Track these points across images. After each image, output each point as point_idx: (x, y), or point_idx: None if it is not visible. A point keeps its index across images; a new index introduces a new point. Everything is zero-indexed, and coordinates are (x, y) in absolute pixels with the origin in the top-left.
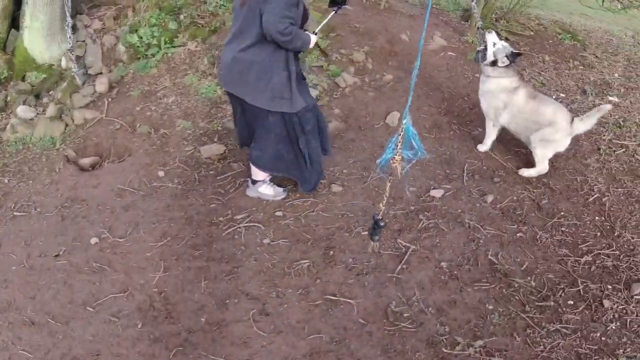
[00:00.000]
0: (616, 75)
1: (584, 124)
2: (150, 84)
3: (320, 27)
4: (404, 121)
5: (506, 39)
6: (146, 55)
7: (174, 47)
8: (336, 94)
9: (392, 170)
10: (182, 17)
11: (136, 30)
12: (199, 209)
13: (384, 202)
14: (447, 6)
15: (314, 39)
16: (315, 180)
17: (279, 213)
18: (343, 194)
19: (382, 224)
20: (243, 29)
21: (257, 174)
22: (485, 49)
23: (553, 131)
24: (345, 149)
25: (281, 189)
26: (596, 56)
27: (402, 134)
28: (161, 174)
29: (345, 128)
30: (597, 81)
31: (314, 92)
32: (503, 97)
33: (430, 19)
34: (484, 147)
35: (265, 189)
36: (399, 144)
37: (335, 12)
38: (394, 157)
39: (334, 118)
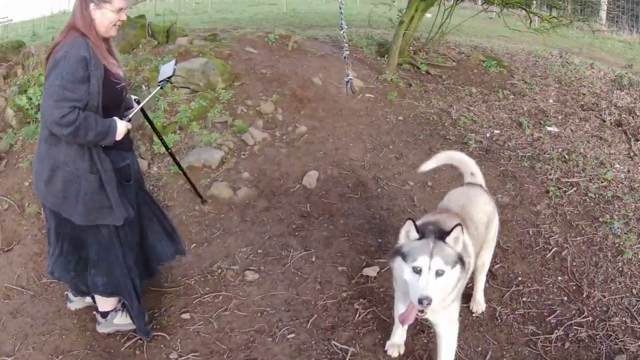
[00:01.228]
0: (550, 101)
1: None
2: None
3: (135, 110)
4: None
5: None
6: (36, 118)
7: None
8: (244, 154)
9: None
10: None
11: (25, 91)
12: (93, 313)
13: None
14: (359, 42)
15: (122, 127)
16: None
17: (186, 315)
18: (260, 282)
19: None
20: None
21: (105, 303)
22: None
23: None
24: (259, 222)
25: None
26: (525, 82)
27: None
28: None
29: (256, 195)
30: (532, 110)
31: (218, 154)
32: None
33: (342, 57)
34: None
35: (121, 319)
36: None
37: (161, 88)
38: None
39: (243, 184)
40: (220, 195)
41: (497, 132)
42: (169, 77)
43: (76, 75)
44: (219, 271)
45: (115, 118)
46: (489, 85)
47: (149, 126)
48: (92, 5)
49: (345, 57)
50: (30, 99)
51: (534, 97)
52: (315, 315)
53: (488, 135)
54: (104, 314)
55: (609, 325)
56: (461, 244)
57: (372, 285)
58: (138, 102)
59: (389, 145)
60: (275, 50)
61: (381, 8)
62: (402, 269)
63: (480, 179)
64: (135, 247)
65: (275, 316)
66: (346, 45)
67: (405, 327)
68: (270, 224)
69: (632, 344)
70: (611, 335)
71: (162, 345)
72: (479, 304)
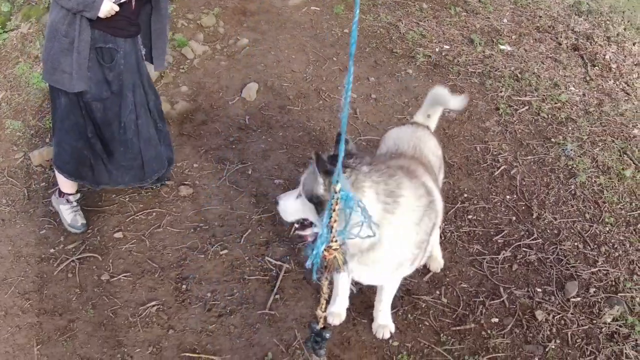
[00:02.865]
0: (505, 20)
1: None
2: None
3: None
4: (338, 187)
5: None
6: None
7: (6, 32)
8: (183, 68)
9: (328, 264)
10: None
11: None
12: (28, 238)
13: (322, 306)
14: None
15: (106, 6)
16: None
17: (118, 235)
18: (194, 197)
19: (327, 334)
20: None
21: (60, 181)
22: None
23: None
24: (196, 135)
25: (80, 223)
26: (479, 0)
27: (336, 205)
28: None
29: (194, 108)
30: (485, 28)
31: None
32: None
33: None
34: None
35: (65, 211)
36: (334, 224)
37: None
38: (329, 246)
39: (181, 97)
40: None
41: (447, 47)
42: None
43: None
44: (153, 187)
45: None
46: (440, 2)
47: None
48: None
49: None
50: None
51: (487, 15)
52: (250, 230)
53: (437, 50)
54: (60, 193)
55: (560, 249)
56: (321, 185)
57: None
58: None
59: (332, 57)
60: None
61: None
62: None
63: (433, 123)
64: (115, 128)
65: (209, 232)
66: None
67: (343, 294)
68: (207, 137)
69: (584, 270)
70: (562, 260)
71: (94, 267)
72: (435, 260)
